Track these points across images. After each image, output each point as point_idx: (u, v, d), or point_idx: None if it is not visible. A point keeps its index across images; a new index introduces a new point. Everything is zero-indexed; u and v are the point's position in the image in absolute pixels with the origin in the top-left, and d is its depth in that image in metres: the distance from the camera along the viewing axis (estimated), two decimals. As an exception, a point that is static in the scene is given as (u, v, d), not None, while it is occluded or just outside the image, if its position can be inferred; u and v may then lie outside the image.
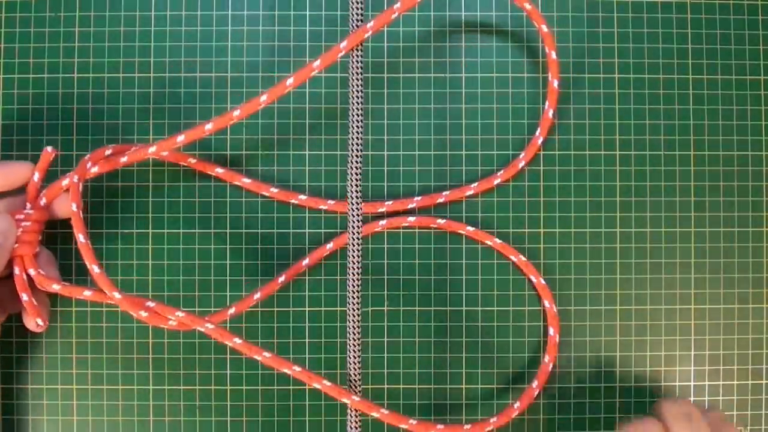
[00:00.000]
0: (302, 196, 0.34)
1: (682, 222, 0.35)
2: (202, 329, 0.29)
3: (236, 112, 0.30)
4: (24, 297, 0.29)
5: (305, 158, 0.35)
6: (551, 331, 0.34)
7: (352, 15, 0.30)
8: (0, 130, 0.34)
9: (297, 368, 0.30)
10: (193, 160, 0.33)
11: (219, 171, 0.34)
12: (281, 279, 0.33)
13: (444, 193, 0.34)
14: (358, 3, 0.30)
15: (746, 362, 0.35)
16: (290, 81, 0.29)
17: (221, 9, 0.35)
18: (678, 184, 0.35)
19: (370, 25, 0.29)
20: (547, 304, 0.34)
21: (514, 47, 0.35)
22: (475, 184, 0.34)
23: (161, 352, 0.34)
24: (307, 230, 0.34)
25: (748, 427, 0.35)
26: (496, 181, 0.34)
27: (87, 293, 0.29)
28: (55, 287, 0.29)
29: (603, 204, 0.35)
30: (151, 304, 0.29)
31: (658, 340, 0.35)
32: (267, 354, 0.29)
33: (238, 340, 0.29)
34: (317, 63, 0.29)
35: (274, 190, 0.34)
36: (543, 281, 0.34)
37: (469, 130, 0.35)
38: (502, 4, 0.35)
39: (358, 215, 0.30)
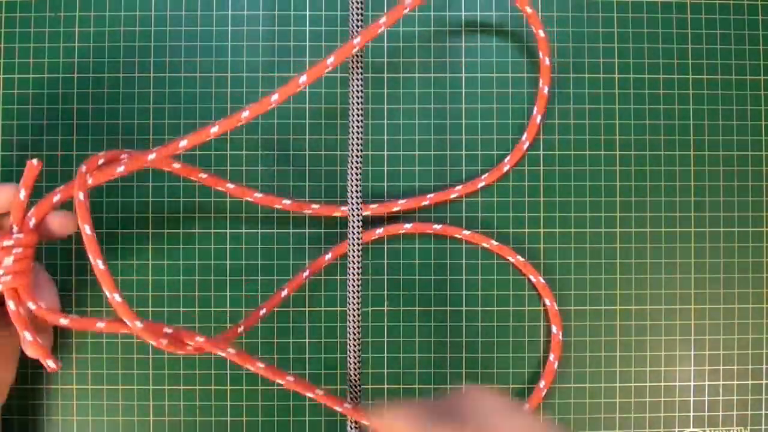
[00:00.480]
0: (286, 201, 0.33)
1: (682, 222, 0.35)
2: (224, 354, 0.28)
3: (245, 113, 0.28)
4: (27, 336, 0.25)
5: (305, 158, 0.35)
6: (554, 329, 0.34)
7: (352, 15, 0.30)
8: (0, 130, 0.34)
9: (320, 391, 0.29)
10: (177, 165, 0.31)
11: (202, 176, 0.32)
12: (284, 293, 0.33)
13: (428, 195, 0.34)
14: (358, 3, 0.30)
15: (746, 362, 0.35)
16: (303, 79, 0.28)
17: (221, 9, 0.35)
18: (678, 184, 0.35)
19: (383, 20, 0.29)
20: (547, 302, 0.34)
21: (514, 47, 0.35)
22: (459, 187, 0.34)
23: (161, 352, 0.34)
24: (306, 230, 0.34)
25: (749, 427, 0.34)
26: (481, 185, 0.34)
27: (100, 325, 0.26)
28: (64, 321, 0.26)
29: (603, 204, 0.35)
30: (168, 330, 0.27)
31: (658, 340, 0.35)
32: (290, 378, 0.29)
33: (261, 365, 0.28)
34: (331, 60, 0.28)
35: (258, 195, 0.33)
36: (543, 280, 0.34)
37: (469, 130, 0.35)
38: (502, 4, 0.35)
39: (358, 215, 0.30)
